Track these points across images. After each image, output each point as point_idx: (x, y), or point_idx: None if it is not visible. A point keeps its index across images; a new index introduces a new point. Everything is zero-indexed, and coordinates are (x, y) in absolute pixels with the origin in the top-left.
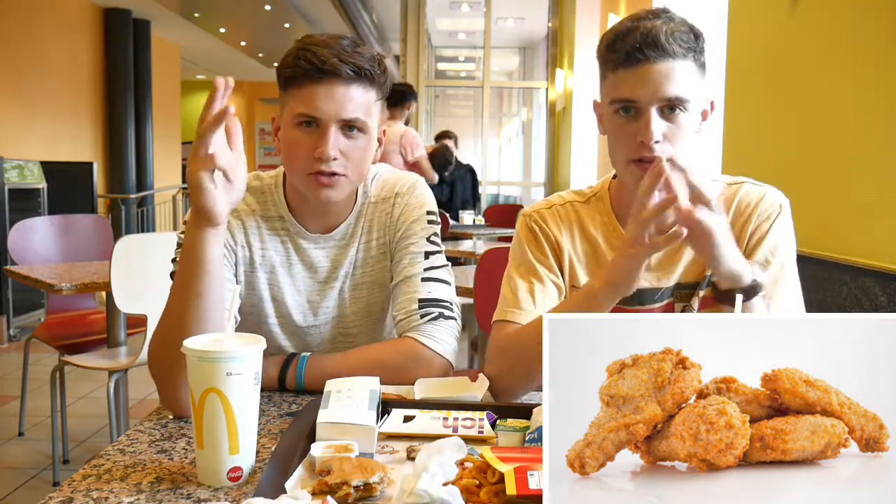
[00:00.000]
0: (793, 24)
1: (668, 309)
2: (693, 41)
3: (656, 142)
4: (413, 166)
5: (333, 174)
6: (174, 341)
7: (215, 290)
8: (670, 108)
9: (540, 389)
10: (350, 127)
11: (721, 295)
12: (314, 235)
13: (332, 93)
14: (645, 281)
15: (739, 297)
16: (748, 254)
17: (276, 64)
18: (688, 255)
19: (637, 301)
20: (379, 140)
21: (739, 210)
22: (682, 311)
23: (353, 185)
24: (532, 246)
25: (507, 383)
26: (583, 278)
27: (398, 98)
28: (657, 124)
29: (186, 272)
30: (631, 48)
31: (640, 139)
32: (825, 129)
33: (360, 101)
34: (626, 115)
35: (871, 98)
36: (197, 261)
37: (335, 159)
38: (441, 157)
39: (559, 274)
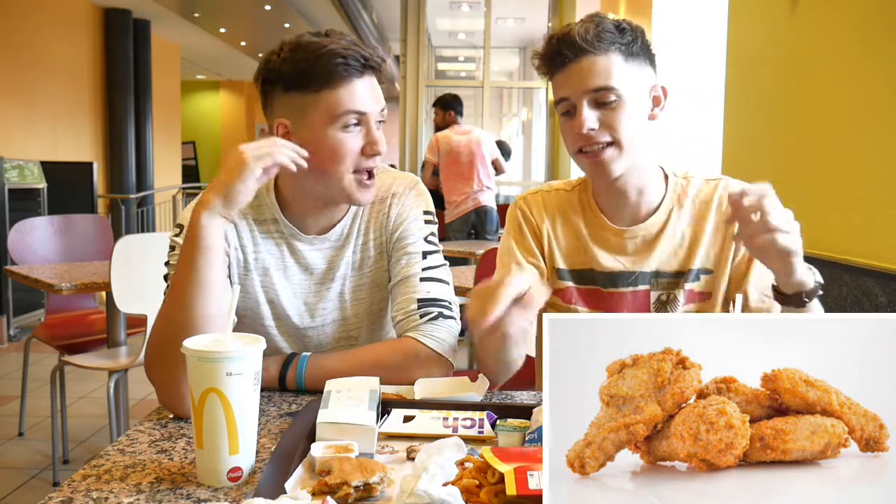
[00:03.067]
0: (793, 24)
1: (645, 295)
2: (616, 35)
3: (590, 129)
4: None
5: (376, 167)
6: (178, 338)
7: (221, 281)
8: (601, 98)
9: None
10: (380, 120)
11: (787, 299)
12: (309, 237)
13: (371, 86)
14: (619, 264)
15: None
16: (738, 249)
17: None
18: (665, 242)
19: (610, 283)
20: None
21: (723, 207)
22: (665, 300)
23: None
24: (515, 231)
25: (486, 371)
26: (559, 261)
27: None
28: (588, 115)
29: (196, 261)
30: (553, 53)
31: (577, 131)
32: (825, 129)
33: (380, 89)
34: (568, 116)
35: (871, 98)
36: (209, 250)
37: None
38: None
39: (540, 257)
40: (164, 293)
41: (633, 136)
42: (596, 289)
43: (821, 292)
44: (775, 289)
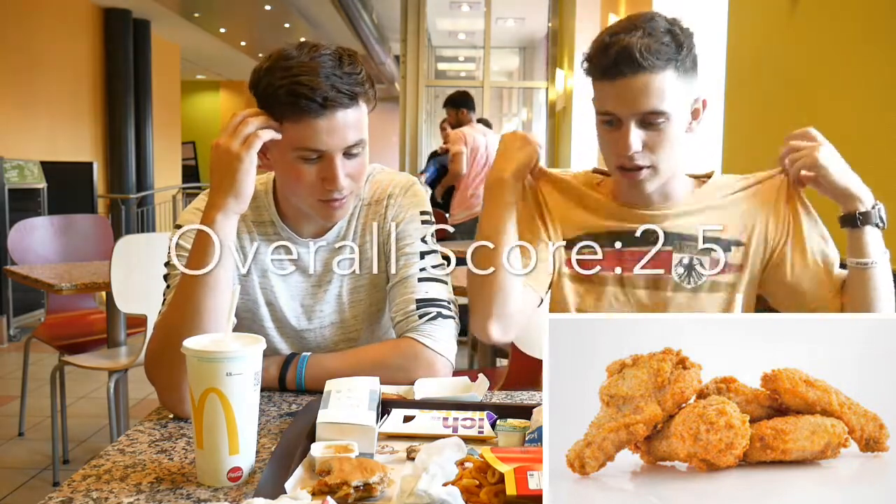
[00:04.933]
0: (793, 24)
1: (667, 256)
2: (673, 49)
3: (635, 152)
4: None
5: (343, 196)
6: (183, 338)
7: (229, 282)
8: (649, 120)
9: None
10: (350, 153)
11: (842, 218)
12: (305, 240)
13: (333, 124)
14: (639, 222)
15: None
16: (797, 241)
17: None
18: (690, 210)
19: (632, 242)
20: None
21: (769, 201)
22: (689, 264)
23: (357, 196)
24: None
25: (472, 316)
26: (572, 230)
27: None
28: (635, 137)
29: (208, 263)
30: (609, 63)
31: (621, 151)
32: (824, 129)
33: (359, 121)
34: (609, 126)
35: (870, 98)
36: (221, 250)
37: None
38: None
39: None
40: (164, 294)
41: (671, 159)
42: (615, 250)
43: (880, 224)
44: (841, 218)
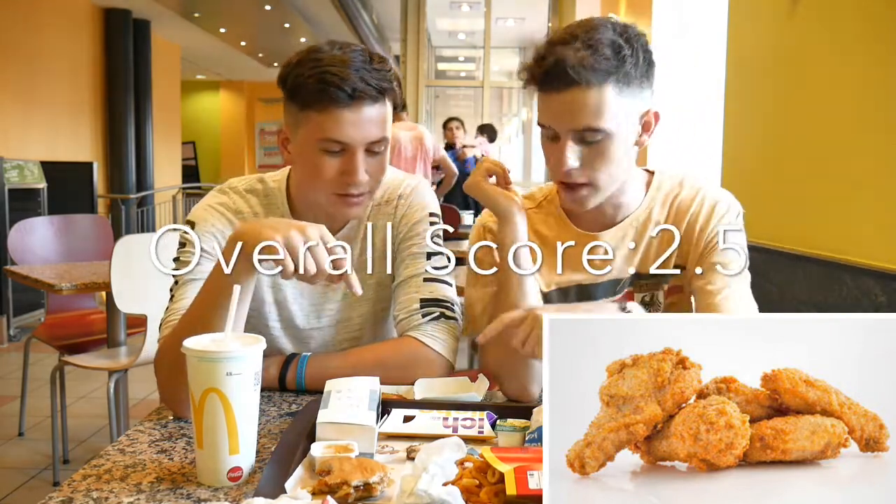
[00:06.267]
0: (793, 24)
1: (629, 299)
2: (614, 63)
3: (570, 168)
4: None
5: (361, 193)
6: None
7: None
8: (587, 137)
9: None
10: (375, 145)
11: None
12: None
13: (359, 117)
14: (600, 273)
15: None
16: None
17: (276, 65)
18: (644, 243)
19: (600, 293)
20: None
21: (698, 216)
22: (649, 301)
23: (373, 195)
24: (482, 253)
25: (505, 383)
26: (542, 285)
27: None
28: (571, 153)
29: (222, 293)
30: (543, 75)
31: (558, 166)
32: (825, 129)
33: (383, 118)
34: (550, 139)
35: (871, 98)
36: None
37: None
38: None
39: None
40: (171, 290)
41: (613, 174)
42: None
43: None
44: None
